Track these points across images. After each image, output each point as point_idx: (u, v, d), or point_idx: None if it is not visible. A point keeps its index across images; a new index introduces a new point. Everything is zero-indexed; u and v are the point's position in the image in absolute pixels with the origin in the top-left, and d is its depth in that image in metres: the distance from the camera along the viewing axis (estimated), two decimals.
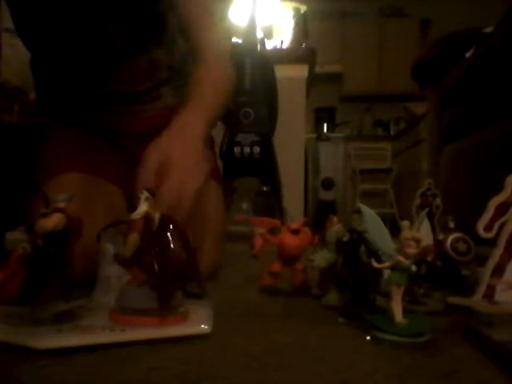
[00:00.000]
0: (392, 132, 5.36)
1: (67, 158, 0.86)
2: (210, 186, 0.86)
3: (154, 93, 0.96)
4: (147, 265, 0.45)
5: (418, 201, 0.69)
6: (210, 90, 0.80)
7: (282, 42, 2.72)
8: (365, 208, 0.53)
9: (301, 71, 2.55)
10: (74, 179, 0.81)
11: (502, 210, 0.54)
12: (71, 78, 0.91)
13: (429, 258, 0.64)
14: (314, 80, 2.78)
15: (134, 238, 0.45)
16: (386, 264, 0.46)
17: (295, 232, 0.68)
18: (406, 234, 0.45)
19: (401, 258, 0.45)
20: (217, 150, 2.37)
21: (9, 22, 1.43)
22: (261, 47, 2.44)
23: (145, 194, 0.47)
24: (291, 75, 2.51)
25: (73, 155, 0.87)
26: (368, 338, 0.44)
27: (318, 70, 2.87)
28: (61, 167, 0.83)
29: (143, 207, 0.47)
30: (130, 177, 0.91)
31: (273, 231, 0.69)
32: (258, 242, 0.68)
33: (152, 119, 0.95)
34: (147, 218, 0.46)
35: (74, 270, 0.46)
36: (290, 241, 0.67)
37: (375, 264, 0.47)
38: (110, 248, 0.54)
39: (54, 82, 0.94)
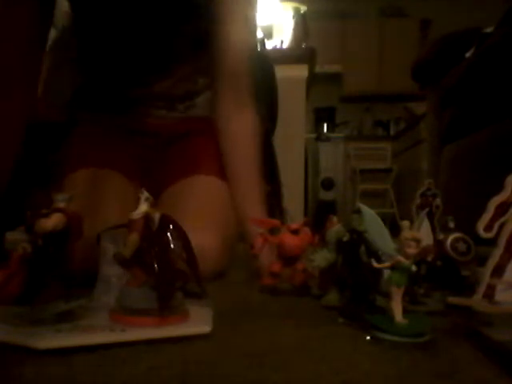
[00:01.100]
0: (392, 132, 5.37)
1: (85, 155, 0.87)
2: (220, 186, 0.86)
3: (189, 101, 0.95)
4: (147, 265, 0.45)
5: (417, 201, 0.69)
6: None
7: (281, 42, 2.71)
8: (365, 208, 0.53)
9: (301, 71, 2.55)
10: (87, 175, 0.82)
11: (502, 210, 0.54)
12: (118, 74, 0.91)
13: (429, 258, 0.64)
14: (313, 80, 2.78)
15: (133, 237, 0.45)
16: (386, 264, 0.46)
17: (295, 232, 0.68)
18: (406, 234, 0.45)
19: (401, 258, 0.45)
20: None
21: None
22: (261, 47, 2.43)
23: (145, 194, 0.47)
24: (291, 75, 2.51)
25: (89, 153, 0.88)
26: (368, 338, 0.44)
27: (318, 69, 2.87)
28: (78, 163, 0.84)
29: (143, 207, 0.47)
30: (148, 175, 0.92)
31: (273, 231, 0.69)
32: (258, 241, 0.68)
33: (180, 125, 0.95)
34: (147, 217, 0.46)
35: (75, 264, 0.46)
36: (289, 241, 0.67)
37: (375, 264, 0.47)
38: (110, 248, 0.54)
39: (97, 78, 0.94)
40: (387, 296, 0.46)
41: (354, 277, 0.53)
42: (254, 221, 0.73)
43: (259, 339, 0.45)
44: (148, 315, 0.44)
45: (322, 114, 5.47)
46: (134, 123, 0.94)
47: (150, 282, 0.45)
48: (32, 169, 0.90)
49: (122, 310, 0.46)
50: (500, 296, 0.54)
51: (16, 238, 0.44)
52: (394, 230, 0.49)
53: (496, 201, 0.55)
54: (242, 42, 0.89)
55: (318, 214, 4.39)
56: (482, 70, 1.75)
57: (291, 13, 2.68)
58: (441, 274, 0.64)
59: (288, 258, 0.68)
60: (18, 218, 0.45)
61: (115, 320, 0.45)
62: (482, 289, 0.55)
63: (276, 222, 0.71)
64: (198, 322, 0.46)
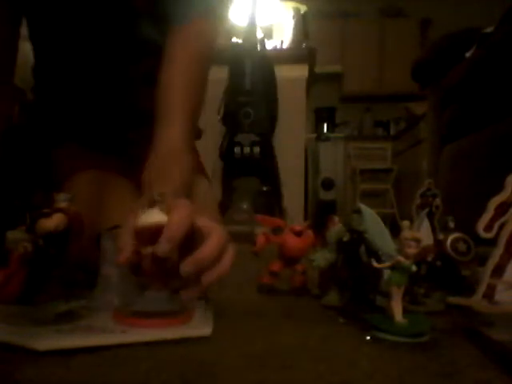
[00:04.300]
0: (392, 132, 5.36)
1: (83, 158, 0.87)
2: (199, 183, 0.85)
3: None
4: (171, 269, 0.45)
5: (418, 201, 0.69)
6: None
7: (281, 42, 2.72)
8: (365, 208, 0.53)
9: (301, 71, 2.55)
10: (93, 176, 0.82)
11: (501, 209, 0.54)
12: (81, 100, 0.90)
13: (429, 258, 0.64)
14: (314, 80, 2.78)
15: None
16: (386, 264, 0.46)
17: (298, 234, 0.68)
18: (406, 233, 0.45)
19: (401, 258, 0.45)
20: (216, 150, 2.38)
21: None
22: (261, 47, 2.44)
23: (161, 198, 0.45)
24: (291, 75, 2.52)
25: (87, 156, 0.87)
26: (368, 337, 0.44)
27: (317, 70, 2.87)
28: (78, 166, 0.84)
29: (158, 213, 0.45)
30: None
31: (275, 231, 0.69)
32: (261, 239, 0.68)
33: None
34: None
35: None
36: (292, 242, 0.67)
37: (375, 264, 0.47)
38: (110, 248, 0.54)
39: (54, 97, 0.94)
40: (387, 296, 0.46)
41: (354, 277, 0.53)
42: (258, 219, 0.72)
43: (259, 339, 0.45)
44: (150, 317, 0.44)
45: (322, 114, 5.47)
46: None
47: (173, 285, 0.45)
48: (33, 168, 0.90)
49: (126, 311, 0.46)
50: (500, 296, 0.54)
51: (17, 237, 0.44)
52: (394, 230, 0.49)
53: (496, 201, 0.55)
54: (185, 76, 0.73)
55: (318, 214, 4.39)
56: (483, 70, 1.75)
57: (291, 13, 2.68)
58: (441, 273, 0.64)
59: (288, 259, 0.68)
60: (18, 218, 0.44)
61: (118, 321, 0.45)
62: (481, 289, 0.55)
63: (280, 221, 0.71)
64: (198, 324, 0.46)
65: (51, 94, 0.92)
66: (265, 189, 2.28)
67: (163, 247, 0.42)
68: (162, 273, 0.45)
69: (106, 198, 0.79)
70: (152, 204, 0.45)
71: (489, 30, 1.86)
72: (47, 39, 0.86)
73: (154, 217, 0.44)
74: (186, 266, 0.43)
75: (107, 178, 0.85)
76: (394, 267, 0.45)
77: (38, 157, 0.90)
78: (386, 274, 0.46)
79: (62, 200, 0.45)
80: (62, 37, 0.83)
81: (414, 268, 0.45)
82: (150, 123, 0.87)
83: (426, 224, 0.68)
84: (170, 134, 0.67)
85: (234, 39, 2.62)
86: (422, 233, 0.65)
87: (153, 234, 0.43)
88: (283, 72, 2.44)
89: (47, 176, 0.87)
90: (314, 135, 5.07)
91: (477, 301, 0.55)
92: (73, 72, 0.87)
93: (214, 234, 0.46)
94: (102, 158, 0.88)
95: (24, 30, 0.88)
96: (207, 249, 0.45)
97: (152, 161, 0.64)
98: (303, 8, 2.71)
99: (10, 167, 0.87)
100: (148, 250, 0.43)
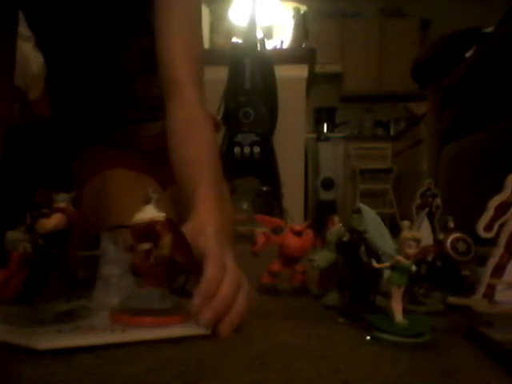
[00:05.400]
0: (392, 132, 5.37)
1: (110, 157, 0.88)
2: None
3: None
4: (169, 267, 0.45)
5: (417, 201, 0.69)
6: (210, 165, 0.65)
7: (281, 42, 2.71)
8: (365, 208, 0.53)
9: (301, 71, 2.55)
10: (121, 173, 0.84)
11: (502, 209, 0.54)
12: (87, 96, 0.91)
13: (429, 258, 0.64)
14: (313, 80, 2.78)
15: (169, 239, 0.44)
16: (386, 264, 0.46)
17: (298, 234, 0.68)
18: (406, 233, 0.45)
19: (401, 258, 0.45)
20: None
21: None
22: (261, 47, 2.43)
23: (156, 195, 0.46)
24: (291, 75, 2.51)
25: (114, 156, 0.89)
26: (368, 337, 0.44)
27: (318, 70, 2.87)
28: (105, 165, 0.85)
29: (156, 208, 0.45)
30: (156, 171, 0.93)
31: (275, 231, 0.69)
32: (261, 239, 0.68)
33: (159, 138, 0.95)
34: (170, 220, 0.45)
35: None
36: (292, 242, 0.67)
37: (375, 264, 0.47)
38: (110, 248, 0.54)
39: (67, 94, 0.94)
40: (387, 296, 0.46)
41: (354, 277, 0.53)
42: (258, 219, 0.72)
43: (259, 339, 0.45)
44: (149, 316, 0.44)
45: (322, 114, 5.46)
46: (128, 140, 0.94)
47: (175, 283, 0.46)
48: (33, 168, 0.90)
49: (124, 310, 0.46)
50: (500, 296, 0.54)
51: (17, 237, 0.44)
52: (394, 230, 0.49)
53: (496, 201, 0.55)
54: (182, 41, 0.74)
55: (318, 214, 4.39)
56: (483, 70, 1.75)
57: (291, 13, 2.68)
58: (441, 273, 0.64)
59: (288, 259, 0.68)
60: (18, 218, 0.44)
61: (116, 320, 0.45)
62: (481, 289, 0.55)
63: (280, 221, 0.71)
64: None
65: (62, 94, 0.93)
66: (265, 189, 2.28)
67: (196, 304, 0.44)
68: (157, 270, 0.45)
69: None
70: (147, 201, 0.45)
71: (489, 30, 1.86)
72: (51, 35, 0.86)
73: (148, 213, 0.44)
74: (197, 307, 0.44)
75: (137, 176, 0.85)
76: (394, 267, 0.45)
77: (40, 156, 0.90)
78: (386, 274, 0.46)
79: (61, 200, 0.45)
80: (61, 24, 0.83)
81: (413, 268, 0.45)
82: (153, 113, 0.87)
83: (425, 224, 0.68)
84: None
85: (234, 39, 2.62)
86: (421, 233, 0.65)
87: (147, 230, 0.44)
88: (283, 72, 2.44)
89: (50, 175, 0.87)
90: (314, 135, 5.06)
91: (477, 301, 0.55)
92: (76, 62, 0.87)
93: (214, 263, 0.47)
94: (119, 155, 0.89)
95: (23, 30, 0.88)
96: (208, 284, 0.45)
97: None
98: (303, 8, 2.71)
99: (11, 167, 0.87)
100: (143, 246, 0.44)
